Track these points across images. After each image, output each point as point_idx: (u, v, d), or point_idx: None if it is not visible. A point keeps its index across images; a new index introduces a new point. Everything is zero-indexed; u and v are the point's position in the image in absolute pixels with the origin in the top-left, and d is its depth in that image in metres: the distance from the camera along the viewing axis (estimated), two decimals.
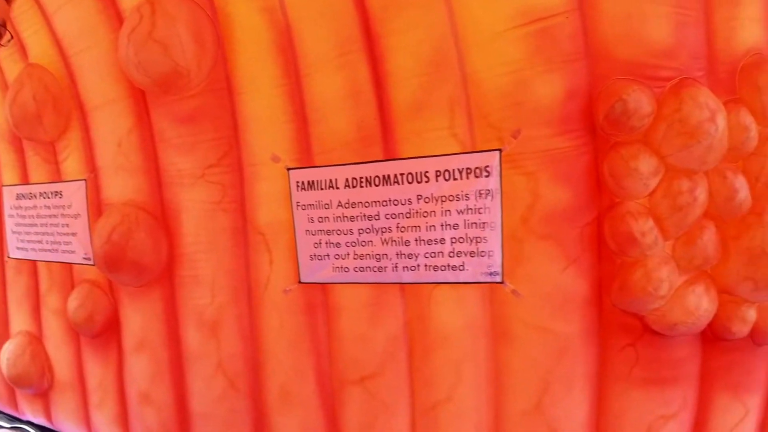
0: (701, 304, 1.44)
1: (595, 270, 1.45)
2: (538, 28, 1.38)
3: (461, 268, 1.44)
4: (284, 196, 1.57)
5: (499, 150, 1.40)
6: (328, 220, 1.51)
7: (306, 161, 1.54)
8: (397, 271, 1.49)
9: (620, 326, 1.48)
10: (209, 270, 1.72)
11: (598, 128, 1.41)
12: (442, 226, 1.43)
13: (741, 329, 1.51)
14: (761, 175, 1.43)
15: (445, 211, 1.42)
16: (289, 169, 1.54)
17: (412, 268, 1.47)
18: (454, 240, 1.43)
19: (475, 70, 1.41)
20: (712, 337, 1.53)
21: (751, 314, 1.51)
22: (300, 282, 1.59)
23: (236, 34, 1.55)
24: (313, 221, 1.53)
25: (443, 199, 1.42)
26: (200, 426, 1.87)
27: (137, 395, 2.00)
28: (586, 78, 1.40)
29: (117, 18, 1.75)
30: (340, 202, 1.49)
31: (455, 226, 1.42)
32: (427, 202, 1.43)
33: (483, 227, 1.41)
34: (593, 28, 1.40)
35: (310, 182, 1.51)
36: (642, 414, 1.54)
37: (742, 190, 1.43)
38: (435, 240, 1.45)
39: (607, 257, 1.45)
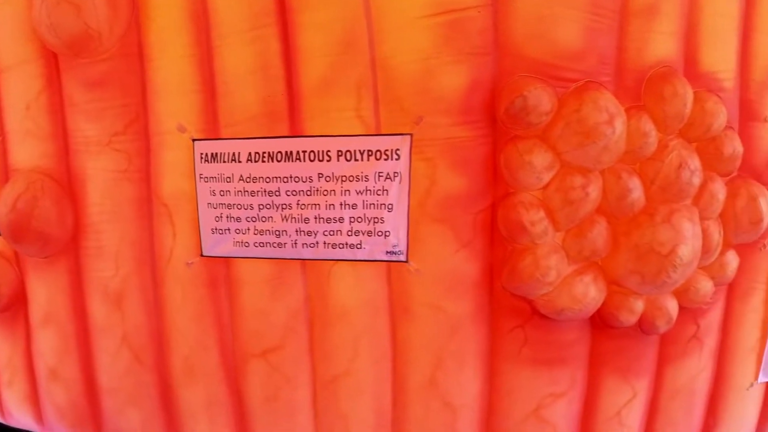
0: (588, 292, 1.55)
1: (487, 254, 1.53)
2: (449, 19, 1.41)
3: (359, 246, 1.48)
4: (189, 168, 1.55)
5: (411, 134, 1.44)
6: (230, 194, 1.50)
7: (212, 133, 1.52)
8: (296, 247, 1.50)
9: (510, 308, 1.57)
10: (113, 241, 1.67)
11: (498, 121, 1.48)
12: (341, 205, 1.45)
13: (628, 318, 1.63)
14: (656, 179, 1.54)
15: (345, 190, 1.44)
16: (194, 140, 1.52)
17: (311, 245, 1.49)
18: (352, 219, 1.46)
19: (385, 54, 1.44)
20: (601, 323, 1.66)
21: (639, 305, 1.64)
22: (202, 255, 1.58)
23: None
24: (215, 194, 1.51)
25: (343, 178, 1.44)
26: (108, 402, 1.83)
27: (45, 372, 1.93)
28: (491, 72, 1.46)
29: None
30: (241, 176, 1.48)
31: (354, 206, 1.45)
32: (327, 181, 1.44)
33: (382, 208, 1.45)
34: (504, 25, 1.45)
35: (214, 154, 1.49)
36: (532, 391, 1.64)
37: (635, 191, 1.54)
38: (334, 218, 1.47)
39: (499, 243, 1.53)
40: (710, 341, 1.78)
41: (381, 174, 1.42)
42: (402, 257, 1.48)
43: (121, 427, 1.85)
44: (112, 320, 1.72)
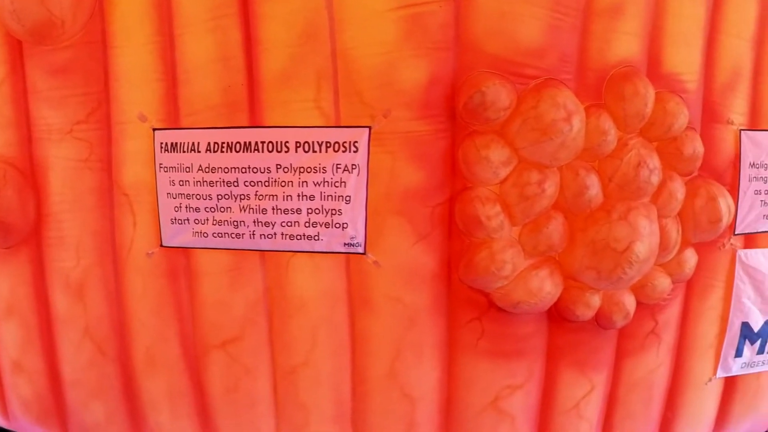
0: (544, 286, 1.58)
1: (444, 247, 1.54)
2: (411, 13, 1.43)
3: (316, 238, 1.49)
4: (149, 157, 1.54)
5: (369, 127, 1.45)
6: (189, 184, 1.50)
7: (173, 122, 1.52)
8: (254, 238, 1.51)
9: (467, 301, 1.59)
10: (75, 231, 1.66)
11: (457, 116, 1.50)
12: (298, 196, 1.46)
13: (585, 313, 1.66)
14: (615, 177, 1.57)
15: (302, 182, 1.45)
16: (154, 130, 1.52)
17: (269, 236, 1.50)
18: (310, 211, 1.47)
19: (348, 46, 1.45)
20: (558, 317, 1.68)
21: (595, 300, 1.67)
22: (162, 245, 1.58)
23: None
24: (174, 184, 1.51)
25: (301, 170, 1.45)
26: (72, 394, 1.82)
27: (10, 364, 1.90)
28: (452, 67, 1.47)
29: None
30: (200, 166, 1.48)
31: (311, 198, 1.46)
32: (285, 172, 1.45)
33: (339, 200, 1.46)
34: (465, 21, 1.46)
35: (174, 144, 1.49)
36: (489, 383, 1.66)
37: (593, 188, 1.57)
38: (291, 210, 1.48)
39: (457, 236, 1.54)
40: (668, 337, 1.81)
41: (339, 166, 1.43)
42: (360, 249, 1.49)
43: (86, 419, 1.84)
44: (74, 311, 1.71)
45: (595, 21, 1.53)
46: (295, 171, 1.44)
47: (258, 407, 1.66)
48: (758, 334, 1.94)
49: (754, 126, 1.79)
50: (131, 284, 1.64)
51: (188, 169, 1.50)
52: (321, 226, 1.47)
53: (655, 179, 1.59)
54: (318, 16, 1.42)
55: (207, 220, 1.51)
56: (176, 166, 1.51)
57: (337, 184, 1.44)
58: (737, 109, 1.74)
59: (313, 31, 1.43)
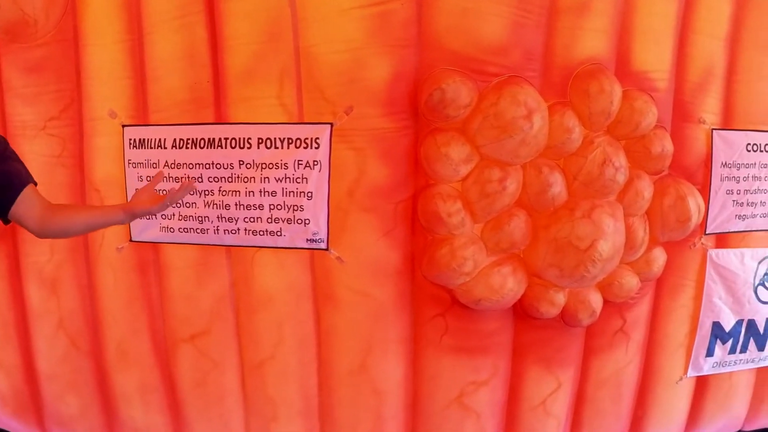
0: (506, 283, 1.57)
1: (408, 243, 1.56)
2: (375, 12, 1.44)
3: (279, 233, 1.51)
4: (120, 153, 1.57)
5: (331, 124, 1.46)
6: None
7: (142, 119, 1.55)
8: (218, 233, 1.54)
9: (431, 297, 1.60)
10: None
11: (420, 113, 1.50)
12: (260, 192, 1.49)
13: (549, 310, 1.65)
14: (579, 175, 1.56)
15: (264, 178, 1.47)
16: (123, 126, 1.55)
17: (233, 232, 1.52)
18: (272, 206, 1.49)
19: (311, 44, 1.47)
20: (524, 314, 1.68)
21: (560, 298, 1.66)
22: (131, 240, 1.61)
23: None
24: (142, 180, 1.54)
25: (263, 166, 1.47)
26: (48, 388, 1.84)
27: None
28: (414, 65, 1.48)
29: None
30: (167, 162, 1.51)
31: (273, 194, 1.48)
32: (248, 168, 1.48)
33: (301, 196, 1.47)
34: (428, 18, 1.47)
35: (141, 140, 1.53)
36: (454, 378, 1.67)
37: (556, 186, 1.56)
38: (254, 205, 1.50)
39: (420, 232, 1.56)
40: (637, 335, 1.81)
41: (300, 162, 1.44)
42: (322, 245, 1.50)
43: (62, 412, 1.86)
44: (48, 305, 1.73)
45: (561, 18, 1.53)
46: (257, 167, 1.46)
47: (227, 401, 1.67)
48: (730, 334, 1.93)
49: (726, 125, 1.78)
50: (103, 278, 1.67)
51: (155, 165, 1.53)
52: (283, 222, 1.49)
53: (621, 177, 1.58)
54: (281, 14, 1.44)
55: (173, 215, 1.54)
56: (144, 162, 1.54)
57: (298, 180, 1.46)
58: (709, 108, 1.74)
59: (276, 28, 1.45)
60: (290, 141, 1.44)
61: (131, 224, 1.59)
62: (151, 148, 1.51)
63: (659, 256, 1.72)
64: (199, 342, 1.64)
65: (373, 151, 1.49)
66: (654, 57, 1.63)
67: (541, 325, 1.67)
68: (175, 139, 1.50)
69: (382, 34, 1.44)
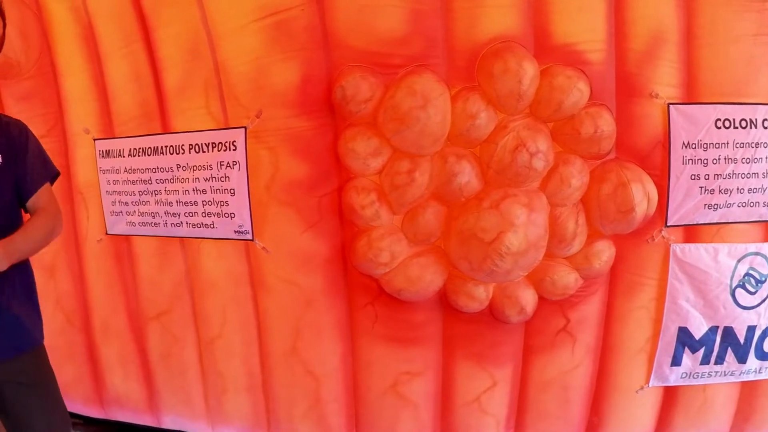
0: (424, 275, 1.55)
1: (337, 234, 1.63)
2: (274, 21, 1.50)
3: (212, 226, 1.72)
4: (95, 162, 1.87)
5: (245, 127, 1.60)
6: (119, 183, 1.82)
7: (108, 133, 1.84)
8: (167, 227, 1.79)
9: (361, 286, 1.67)
10: None
11: (335, 111, 1.57)
12: (194, 190, 1.71)
13: (467, 303, 1.57)
14: (491, 162, 1.45)
15: (195, 178, 1.69)
16: (95, 140, 1.85)
17: (178, 225, 1.76)
18: (204, 203, 1.70)
19: (224, 58, 1.62)
20: (451, 308, 1.62)
21: (480, 291, 1.56)
22: (107, 233, 1.91)
23: (54, 27, 1.82)
24: (110, 183, 1.84)
25: (194, 168, 1.68)
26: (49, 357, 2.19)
27: None
28: (323, 65, 1.53)
29: None
30: (125, 168, 1.79)
31: (204, 191, 1.70)
32: (183, 170, 1.70)
33: (226, 192, 1.67)
34: (330, 19, 1.49)
35: (107, 151, 1.82)
36: (387, 367, 1.71)
37: (462, 176, 1.46)
38: (191, 202, 1.72)
39: (348, 224, 1.62)
40: (586, 336, 1.65)
41: (222, 163, 1.63)
42: (248, 236, 1.67)
43: (60, 380, 2.15)
44: (47, 288, 2.02)
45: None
46: (190, 169, 1.68)
47: (188, 373, 1.92)
48: (701, 342, 1.67)
49: (689, 99, 1.50)
50: (89, 265, 1.99)
51: (118, 171, 1.81)
52: (214, 215, 1.69)
53: (540, 164, 1.43)
54: (198, 35, 1.60)
55: (134, 212, 1.81)
56: (110, 168, 1.83)
57: (222, 179, 1.65)
58: (663, 80, 1.49)
59: (196, 48, 1.62)
60: (213, 145, 1.63)
61: (106, 220, 1.89)
62: (114, 157, 1.80)
63: (603, 251, 1.54)
64: (164, 320, 1.89)
65: (285, 149, 1.58)
66: (579, 27, 1.44)
67: (470, 319, 1.61)
68: (130, 149, 1.77)
69: (283, 41, 1.49)
